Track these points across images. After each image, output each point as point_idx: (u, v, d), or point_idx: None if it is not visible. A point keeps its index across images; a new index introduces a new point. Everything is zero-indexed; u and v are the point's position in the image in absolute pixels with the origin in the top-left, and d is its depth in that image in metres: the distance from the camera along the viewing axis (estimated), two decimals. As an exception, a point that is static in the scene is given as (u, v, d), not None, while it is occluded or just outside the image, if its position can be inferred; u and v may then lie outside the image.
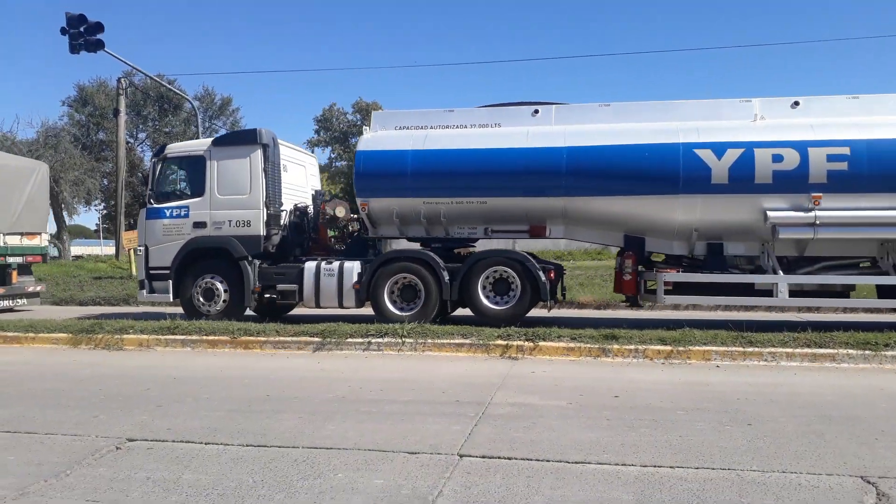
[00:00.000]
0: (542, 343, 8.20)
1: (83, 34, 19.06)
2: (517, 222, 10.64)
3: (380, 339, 8.64)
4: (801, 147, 9.48)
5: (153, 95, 46.89)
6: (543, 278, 9.96)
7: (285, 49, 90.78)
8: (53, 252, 32.83)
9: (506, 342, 8.26)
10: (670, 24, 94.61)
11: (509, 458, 4.33)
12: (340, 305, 10.73)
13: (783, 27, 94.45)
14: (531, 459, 4.30)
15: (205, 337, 9.10)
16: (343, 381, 6.90)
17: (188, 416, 5.48)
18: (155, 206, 11.48)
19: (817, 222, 9.34)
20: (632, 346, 8.03)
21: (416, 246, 11.14)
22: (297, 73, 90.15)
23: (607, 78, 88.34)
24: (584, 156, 10.00)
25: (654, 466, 4.16)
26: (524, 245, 12.27)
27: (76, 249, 53.47)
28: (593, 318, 11.44)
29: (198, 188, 11.33)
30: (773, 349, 7.83)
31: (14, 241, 15.04)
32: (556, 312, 11.80)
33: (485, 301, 10.18)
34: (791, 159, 9.47)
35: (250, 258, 10.98)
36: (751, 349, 7.85)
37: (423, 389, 6.44)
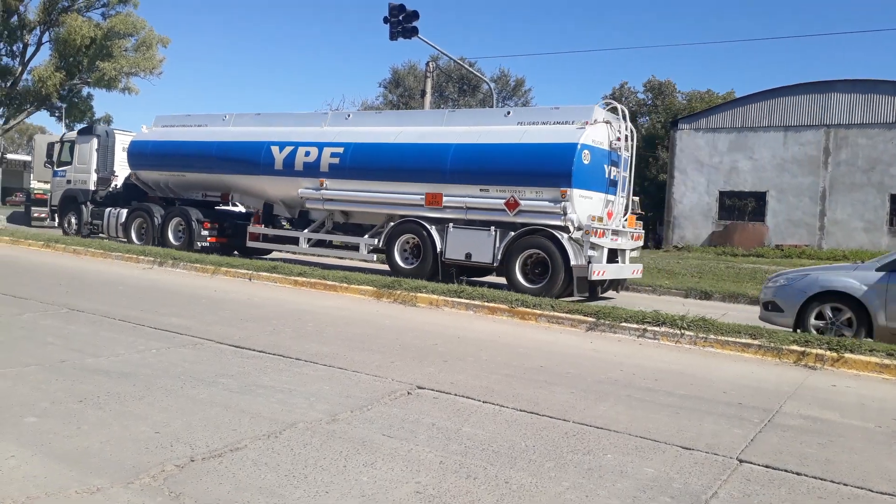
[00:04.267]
0: (848, 355, 7.19)
1: (401, 22, 21.07)
2: (214, 190, 16.25)
3: (656, 328, 8.35)
4: (321, 146, 13.84)
5: (455, 77, 50.41)
6: (195, 227, 15.63)
7: (579, 28, 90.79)
8: None
9: (803, 349, 7.41)
10: None
11: (797, 474, 3.92)
12: (118, 236, 17.17)
13: None
14: (824, 480, 3.84)
15: (486, 304, 9.66)
16: (615, 364, 6.83)
17: (469, 374, 5.89)
18: (56, 169, 19.63)
19: (323, 198, 13.78)
20: (970, 374, 6.67)
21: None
22: (589, 52, 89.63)
23: None
24: (218, 147, 15.41)
25: None
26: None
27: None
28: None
29: (70, 160, 19.09)
30: None
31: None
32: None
33: (171, 239, 16.07)
34: (313, 154, 13.86)
35: (87, 203, 18.27)
36: None
37: (702, 386, 6.10)
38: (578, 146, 11.32)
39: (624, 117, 12.40)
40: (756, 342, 7.69)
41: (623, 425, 4.66)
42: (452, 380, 5.63)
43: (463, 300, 9.89)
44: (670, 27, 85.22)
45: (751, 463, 4.07)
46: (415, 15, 20.86)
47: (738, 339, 7.82)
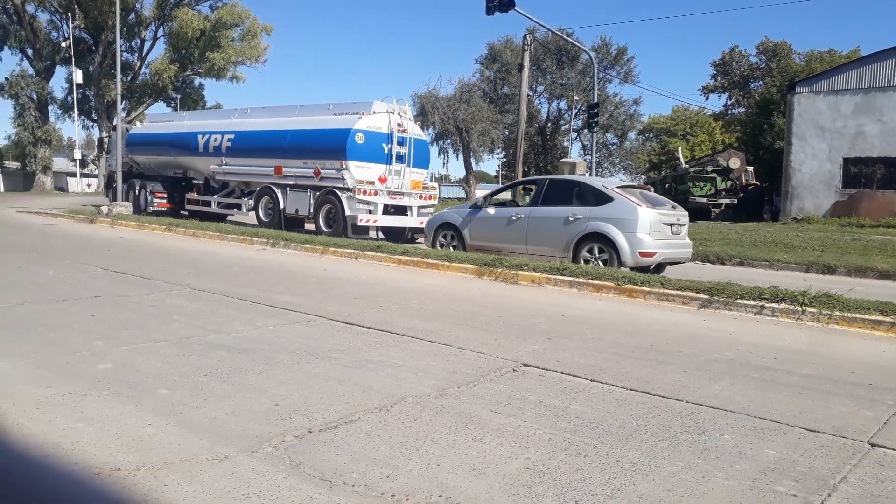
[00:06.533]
0: None
1: (498, -5, 20.86)
2: (177, 169, 21.92)
3: (775, 304, 7.91)
4: (223, 133, 19.46)
5: (553, 49, 49.34)
6: (149, 197, 22.07)
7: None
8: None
9: (941, 326, 6.83)
10: None
11: (940, 462, 3.62)
12: (135, 202, 22.60)
13: None
14: (973, 469, 3.53)
15: (590, 281, 9.48)
16: (731, 342, 6.55)
17: (575, 352, 5.81)
18: (107, 156, 25.86)
19: (224, 171, 19.55)
20: None
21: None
22: (695, 16, 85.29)
23: None
24: (172, 137, 21.43)
25: None
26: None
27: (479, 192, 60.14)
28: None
29: (114, 150, 23.59)
30: None
31: None
32: None
33: (142, 205, 22.34)
34: (219, 140, 19.45)
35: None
36: None
37: (826, 366, 5.74)
38: (352, 130, 16.29)
39: (403, 110, 17.56)
40: (888, 319, 7.16)
41: (740, 405, 4.46)
42: (558, 357, 5.58)
43: (566, 277, 9.76)
44: (785, -17, 79.35)
45: (884, 447, 3.80)
46: (511, -13, 20.58)
47: (867, 316, 7.30)
